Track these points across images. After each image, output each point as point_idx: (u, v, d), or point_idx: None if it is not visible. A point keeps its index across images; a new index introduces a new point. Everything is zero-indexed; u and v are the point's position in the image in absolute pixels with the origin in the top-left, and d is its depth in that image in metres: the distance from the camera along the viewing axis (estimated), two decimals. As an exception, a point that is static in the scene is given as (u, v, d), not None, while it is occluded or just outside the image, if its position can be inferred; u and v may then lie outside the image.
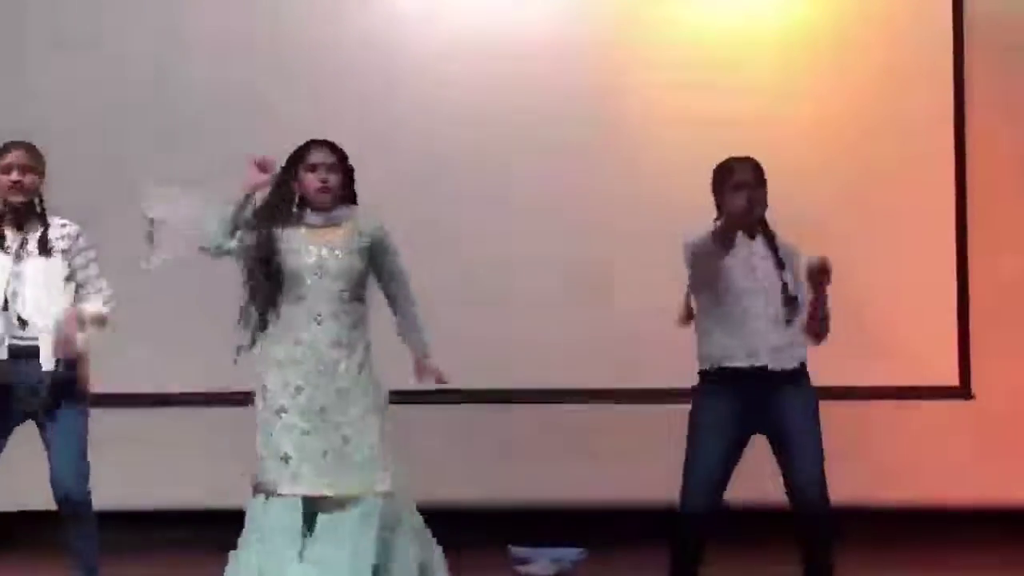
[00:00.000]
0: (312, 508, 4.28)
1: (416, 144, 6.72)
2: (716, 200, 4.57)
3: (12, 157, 4.74)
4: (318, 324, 4.30)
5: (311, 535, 4.25)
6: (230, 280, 4.50)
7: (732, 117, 6.43)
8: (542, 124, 6.70)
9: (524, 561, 6.00)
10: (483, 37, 6.83)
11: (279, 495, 4.25)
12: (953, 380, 6.79)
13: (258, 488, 4.30)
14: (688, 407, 4.60)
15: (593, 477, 6.50)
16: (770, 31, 6.85)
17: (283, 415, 4.27)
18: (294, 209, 4.38)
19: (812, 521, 4.51)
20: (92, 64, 6.78)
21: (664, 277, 4.70)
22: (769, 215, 4.59)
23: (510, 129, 6.71)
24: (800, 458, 4.48)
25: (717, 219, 4.51)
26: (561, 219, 6.63)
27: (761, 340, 4.46)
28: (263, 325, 4.33)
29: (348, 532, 4.25)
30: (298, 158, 4.39)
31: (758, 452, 4.61)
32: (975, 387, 6.76)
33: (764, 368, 4.45)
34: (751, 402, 4.45)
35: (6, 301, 4.63)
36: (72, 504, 4.68)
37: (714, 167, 4.59)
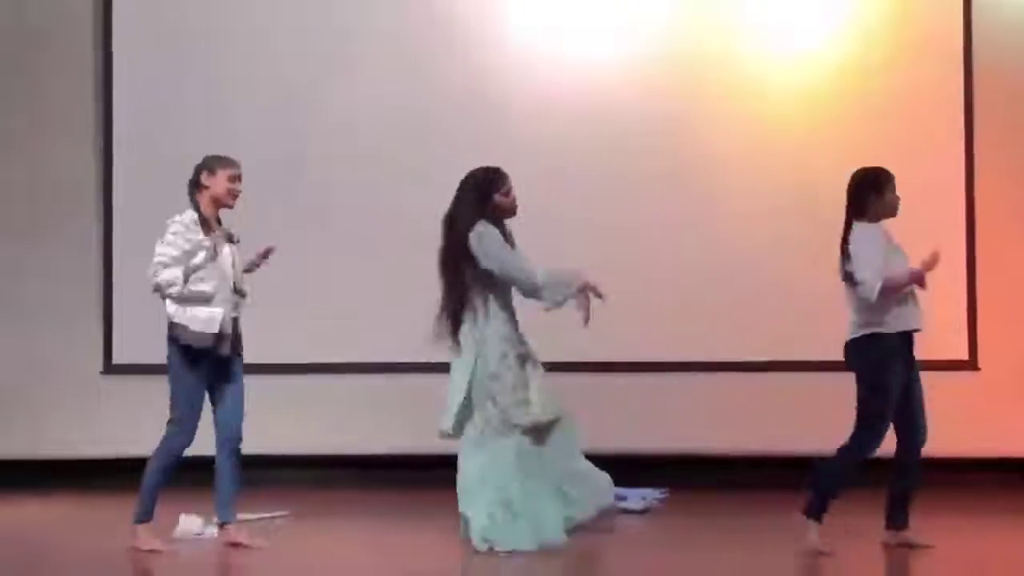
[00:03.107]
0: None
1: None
2: (867, 199, 5.18)
3: (236, 170, 5.36)
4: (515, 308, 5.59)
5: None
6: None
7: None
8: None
9: (621, 498, 6.43)
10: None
11: (540, 424, 5.41)
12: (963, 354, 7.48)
13: (524, 428, 5.39)
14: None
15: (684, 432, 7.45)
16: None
17: (513, 369, 5.44)
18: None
19: (916, 463, 5.21)
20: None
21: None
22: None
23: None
24: (920, 410, 5.27)
25: (855, 214, 5.20)
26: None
27: (915, 306, 5.28)
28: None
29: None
30: (497, 186, 5.54)
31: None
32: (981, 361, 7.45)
33: (918, 329, 5.26)
34: (906, 359, 5.21)
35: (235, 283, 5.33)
36: (238, 441, 5.36)
37: (868, 174, 5.24)
